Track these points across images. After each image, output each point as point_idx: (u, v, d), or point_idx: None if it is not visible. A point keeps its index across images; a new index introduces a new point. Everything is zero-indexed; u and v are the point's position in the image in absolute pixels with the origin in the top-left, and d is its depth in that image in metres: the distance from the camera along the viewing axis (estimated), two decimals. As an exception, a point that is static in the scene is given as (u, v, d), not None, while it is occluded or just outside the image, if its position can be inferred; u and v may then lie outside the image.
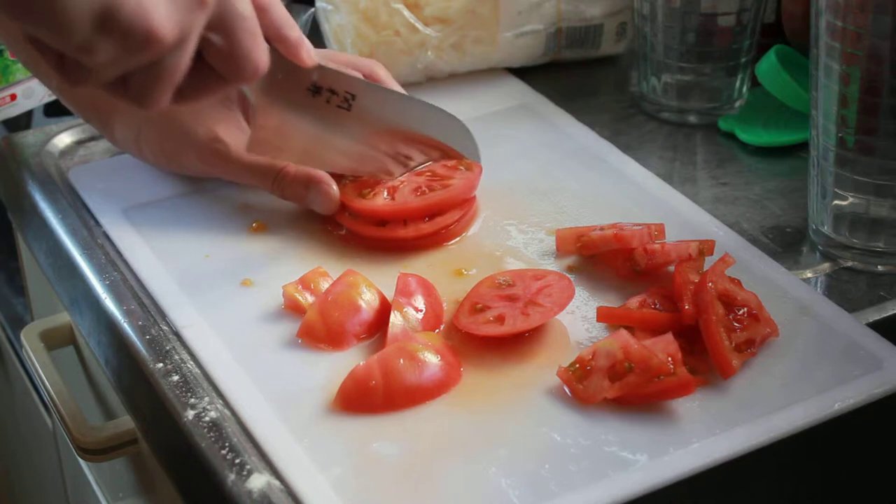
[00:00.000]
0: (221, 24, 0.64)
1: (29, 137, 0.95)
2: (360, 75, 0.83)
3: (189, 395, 0.70)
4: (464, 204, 0.84)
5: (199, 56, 0.66)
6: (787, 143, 0.94)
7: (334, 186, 0.83)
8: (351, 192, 0.83)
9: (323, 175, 0.83)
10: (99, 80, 0.62)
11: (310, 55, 0.74)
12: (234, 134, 0.83)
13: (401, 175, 0.84)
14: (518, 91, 1.01)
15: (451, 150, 0.86)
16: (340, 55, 0.86)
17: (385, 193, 0.82)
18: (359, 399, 0.69)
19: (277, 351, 0.74)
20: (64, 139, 0.95)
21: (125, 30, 0.58)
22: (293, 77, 0.77)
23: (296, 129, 0.79)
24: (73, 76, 0.62)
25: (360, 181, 0.84)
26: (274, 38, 0.72)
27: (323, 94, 0.79)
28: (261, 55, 0.67)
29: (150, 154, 0.86)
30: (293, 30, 0.72)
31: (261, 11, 0.69)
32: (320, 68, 0.78)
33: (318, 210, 0.83)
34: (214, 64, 0.66)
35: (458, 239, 0.83)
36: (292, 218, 0.85)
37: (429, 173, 0.84)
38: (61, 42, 0.59)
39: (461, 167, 0.85)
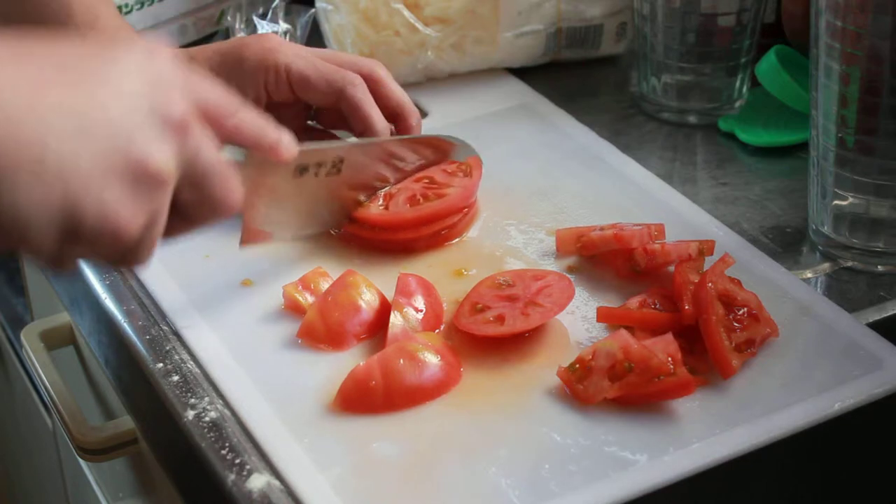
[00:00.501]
0: (189, 182, 0.62)
1: (29, 137, 0.95)
2: (360, 75, 0.83)
3: (189, 395, 0.70)
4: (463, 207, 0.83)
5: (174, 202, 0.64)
6: (787, 143, 0.94)
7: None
8: None
9: None
10: (78, 264, 0.62)
11: (289, 150, 0.70)
12: None
13: (396, 180, 0.84)
14: (518, 91, 1.01)
15: (444, 143, 0.86)
16: (341, 55, 0.85)
17: (380, 201, 0.82)
18: (359, 399, 0.69)
19: (277, 351, 0.74)
20: (64, 139, 0.94)
21: (92, 236, 0.57)
22: (276, 169, 0.75)
23: (288, 209, 0.79)
24: (57, 269, 0.61)
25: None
26: (250, 147, 0.69)
27: (310, 171, 0.78)
28: (233, 196, 0.64)
29: None
30: (267, 135, 0.69)
31: (231, 134, 0.67)
32: (302, 151, 0.75)
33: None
34: (188, 213, 0.64)
35: (457, 239, 0.83)
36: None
37: (426, 180, 0.84)
38: (34, 256, 0.59)
39: (460, 172, 0.84)
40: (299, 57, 0.83)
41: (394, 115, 0.85)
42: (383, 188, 0.83)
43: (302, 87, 0.83)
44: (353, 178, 0.81)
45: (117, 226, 0.58)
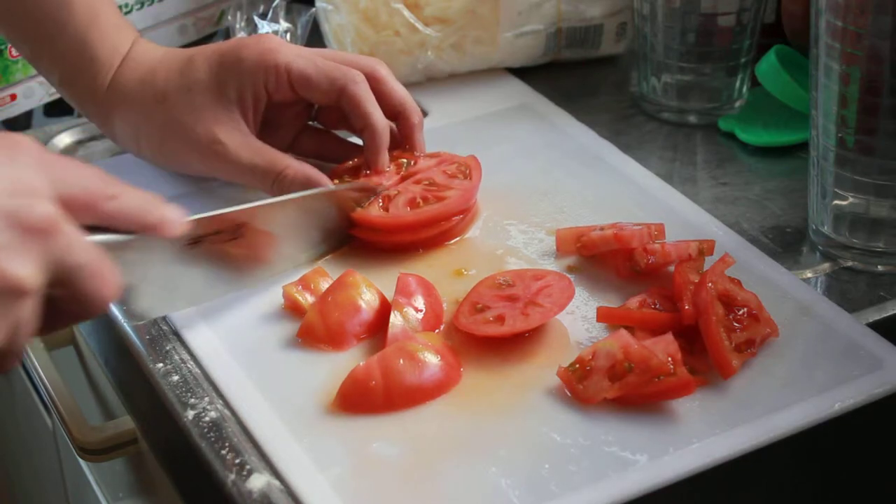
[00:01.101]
0: (59, 281, 0.59)
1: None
2: (362, 73, 0.83)
3: (189, 395, 0.70)
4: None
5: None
6: (787, 143, 0.94)
7: (332, 188, 0.83)
8: None
9: (321, 176, 0.83)
10: None
11: (176, 227, 0.66)
12: (232, 135, 0.83)
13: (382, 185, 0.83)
14: (518, 91, 1.01)
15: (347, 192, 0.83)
16: (342, 54, 0.85)
17: (380, 202, 0.82)
18: (359, 399, 0.69)
19: (277, 351, 0.74)
20: (64, 139, 0.95)
21: None
22: (165, 245, 0.71)
23: (183, 282, 0.74)
24: None
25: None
26: (133, 229, 0.66)
27: (205, 241, 0.74)
28: (108, 290, 0.61)
29: (149, 153, 0.86)
30: (150, 214, 0.65)
31: (110, 219, 0.63)
32: (195, 223, 0.72)
33: None
34: (62, 308, 0.61)
35: (457, 239, 0.83)
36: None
37: (426, 181, 0.83)
38: None
39: (460, 174, 0.84)
40: (300, 56, 0.83)
41: (395, 114, 0.85)
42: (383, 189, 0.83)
43: (303, 86, 0.83)
44: (258, 241, 0.77)
45: None
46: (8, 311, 0.56)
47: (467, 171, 0.84)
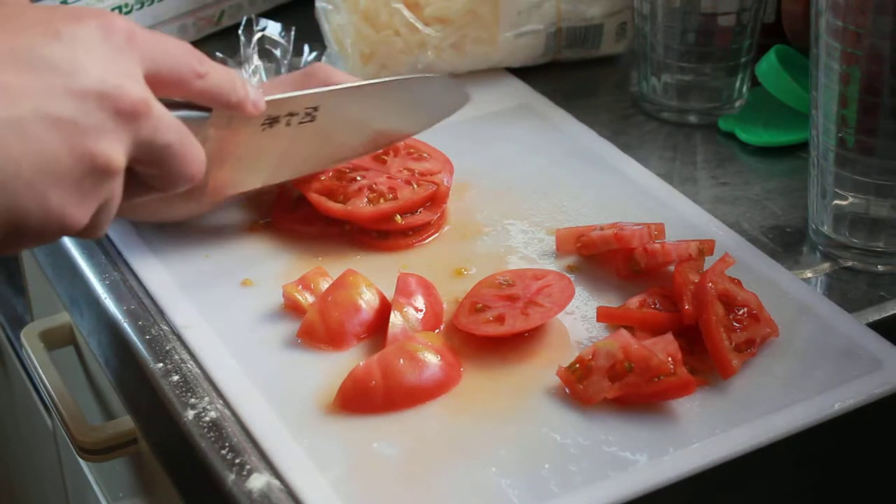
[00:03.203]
0: (147, 159, 0.60)
1: (29, 137, 0.95)
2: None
3: (189, 395, 0.70)
4: (437, 203, 0.83)
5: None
6: (787, 143, 0.94)
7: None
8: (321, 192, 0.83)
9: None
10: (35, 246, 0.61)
11: (257, 105, 0.69)
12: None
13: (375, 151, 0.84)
14: (518, 91, 1.01)
15: (439, 111, 0.85)
16: (284, 78, 0.84)
17: (366, 191, 0.82)
18: (359, 399, 0.69)
19: (277, 351, 0.74)
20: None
21: (38, 232, 0.56)
22: (244, 121, 0.72)
23: (256, 159, 0.77)
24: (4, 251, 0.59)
25: (335, 179, 0.84)
26: (217, 106, 0.68)
27: (281, 121, 0.75)
28: (194, 167, 0.63)
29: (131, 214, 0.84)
30: (234, 93, 0.67)
31: (197, 96, 0.65)
32: (272, 103, 0.74)
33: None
34: (148, 182, 0.63)
35: (435, 235, 0.83)
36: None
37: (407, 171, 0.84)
38: None
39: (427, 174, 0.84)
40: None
41: None
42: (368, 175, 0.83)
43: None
44: (330, 124, 0.79)
45: (62, 222, 0.56)
46: (98, 188, 0.57)
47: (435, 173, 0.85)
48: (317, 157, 0.81)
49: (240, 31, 1.01)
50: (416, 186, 0.82)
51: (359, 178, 0.83)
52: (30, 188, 0.54)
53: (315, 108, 0.77)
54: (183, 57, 0.63)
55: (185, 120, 0.64)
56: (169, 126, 0.60)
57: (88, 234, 0.61)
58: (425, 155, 0.86)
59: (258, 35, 0.99)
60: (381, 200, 0.81)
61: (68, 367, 1.00)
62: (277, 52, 1.00)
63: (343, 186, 0.83)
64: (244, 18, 1.00)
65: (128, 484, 0.97)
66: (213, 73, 0.65)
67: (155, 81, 0.61)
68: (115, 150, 0.57)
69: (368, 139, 0.83)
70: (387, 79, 0.82)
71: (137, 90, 0.58)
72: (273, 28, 1.00)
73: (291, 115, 0.76)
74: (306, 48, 1.01)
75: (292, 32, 1.00)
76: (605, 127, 0.97)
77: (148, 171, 0.62)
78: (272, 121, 0.75)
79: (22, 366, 1.31)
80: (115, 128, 0.57)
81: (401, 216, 0.81)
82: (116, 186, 0.59)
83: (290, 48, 1.00)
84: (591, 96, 1.03)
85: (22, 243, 0.57)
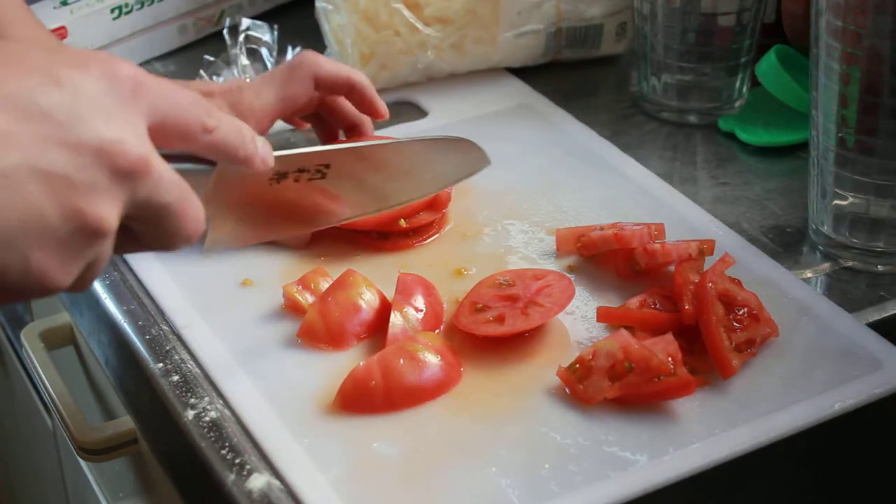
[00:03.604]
0: (142, 218, 0.56)
1: (29, 137, 0.95)
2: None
3: (189, 395, 0.70)
4: (438, 206, 0.83)
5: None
6: (787, 143, 0.94)
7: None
8: None
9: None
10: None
11: (265, 161, 0.65)
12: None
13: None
14: (518, 91, 1.01)
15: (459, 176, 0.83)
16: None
17: None
18: (359, 399, 0.69)
19: (277, 351, 0.74)
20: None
21: (17, 292, 0.53)
22: (251, 178, 0.69)
23: (260, 215, 0.72)
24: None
25: None
26: (223, 161, 0.63)
27: (289, 177, 0.71)
28: (192, 227, 0.58)
29: None
30: (243, 148, 0.63)
31: (205, 151, 0.61)
32: (282, 158, 0.70)
33: (291, 245, 0.83)
34: (143, 240, 0.59)
35: (435, 237, 0.83)
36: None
37: None
38: None
39: None
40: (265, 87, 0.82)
41: (348, 90, 0.84)
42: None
43: (289, 113, 0.82)
44: (343, 183, 0.75)
45: (43, 283, 0.53)
46: (85, 250, 0.53)
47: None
48: (323, 215, 0.77)
49: (225, 32, 1.01)
50: None
51: None
52: (11, 246, 0.51)
53: (326, 166, 0.73)
54: (191, 109, 0.58)
55: (187, 173, 0.60)
56: (169, 185, 0.56)
57: (72, 290, 0.57)
58: None
59: (243, 35, 0.99)
60: None
61: (68, 367, 1.00)
62: (264, 52, 1.00)
63: None
64: (227, 20, 1.00)
65: (128, 484, 0.97)
66: (222, 128, 0.61)
67: (160, 133, 0.57)
68: (108, 211, 0.53)
69: (378, 201, 0.79)
70: (405, 139, 0.79)
71: (138, 147, 0.54)
72: (258, 28, 1.00)
73: (301, 171, 0.72)
74: (290, 48, 1.01)
75: (275, 30, 1.00)
76: (605, 127, 0.97)
77: (142, 230, 0.58)
78: (280, 176, 0.71)
79: (22, 366, 1.31)
80: (111, 186, 0.53)
81: (405, 220, 0.81)
82: (106, 247, 0.55)
83: (276, 46, 1.00)
84: (591, 96, 1.03)
85: (3, 298, 0.54)
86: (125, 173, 0.53)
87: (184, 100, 0.58)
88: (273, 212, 0.73)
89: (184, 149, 0.59)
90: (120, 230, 0.56)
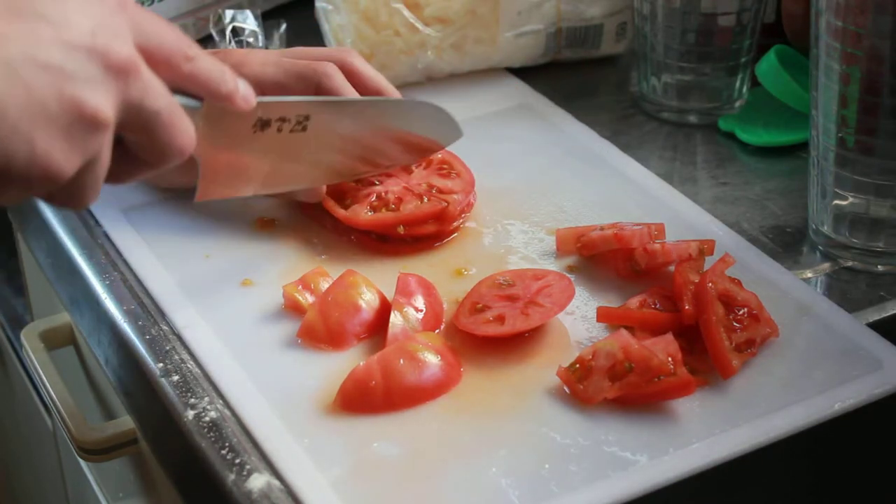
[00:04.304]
0: (135, 125, 0.60)
1: (29, 137, 0.95)
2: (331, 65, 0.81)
3: (189, 395, 0.70)
4: (445, 220, 0.83)
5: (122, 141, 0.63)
6: (787, 143, 0.94)
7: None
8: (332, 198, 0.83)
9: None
10: (21, 200, 0.60)
11: (247, 100, 0.69)
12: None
13: (373, 174, 0.83)
14: (518, 91, 1.01)
15: (428, 142, 0.84)
16: (309, 50, 0.84)
17: (373, 198, 0.82)
18: (359, 399, 0.69)
19: (277, 351, 0.74)
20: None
21: (23, 178, 0.56)
22: (235, 120, 0.72)
23: (247, 165, 0.76)
24: None
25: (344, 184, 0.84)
26: (206, 97, 0.68)
27: (272, 126, 0.75)
28: (183, 139, 0.62)
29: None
30: (224, 83, 0.67)
31: (185, 80, 0.65)
32: (263, 105, 0.73)
33: (304, 199, 0.83)
34: (137, 154, 0.63)
35: (452, 237, 0.83)
36: (293, 218, 0.85)
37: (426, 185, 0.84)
38: None
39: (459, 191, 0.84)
40: (267, 64, 0.81)
41: None
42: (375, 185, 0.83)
43: (278, 93, 0.80)
44: (321, 137, 0.78)
45: (48, 169, 0.56)
46: (85, 140, 0.57)
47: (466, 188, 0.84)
48: (308, 171, 0.80)
49: (210, 27, 1.01)
50: (424, 201, 0.82)
51: (376, 183, 0.83)
52: (15, 130, 0.54)
53: (306, 118, 0.76)
54: (173, 36, 0.62)
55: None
56: (158, 92, 0.60)
57: (74, 199, 0.60)
58: (454, 173, 0.85)
59: (230, 27, 0.99)
60: (384, 210, 0.81)
61: (68, 367, 1.00)
62: (251, 41, 1.00)
63: (356, 189, 0.83)
64: (212, 13, 1.00)
65: (128, 484, 0.97)
66: (203, 60, 0.64)
67: (144, 55, 0.60)
68: (103, 102, 0.57)
69: (358, 158, 0.82)
70: (380, 98, 0.82)
71: (128, 49, 0.58)
72: (242, 16, 1.00)
73: (283, 120, 0.75)
74: (275, 35, 1.01)
75: (259, 17, 1.00)
76: (605, 127, 0.97)
77: (137, 140, 0.61)
78: (263, 124, 0.74)
79: (22, 366, 1.31)
80: (105, 81, 0.57)
81: (403, 227, 0.81)
82: (104, 144, 0.58)
83: (262, 32, 1.00)
84: (591, 96, 1.03)
85: (8, 192, 0.57)
86: (117, 70, 0.57)
87: (166, 27, 0.62)
88: (259, 163, 0.76)
89: (166, 75, 0.62)
90: (118, 148, 0.60)
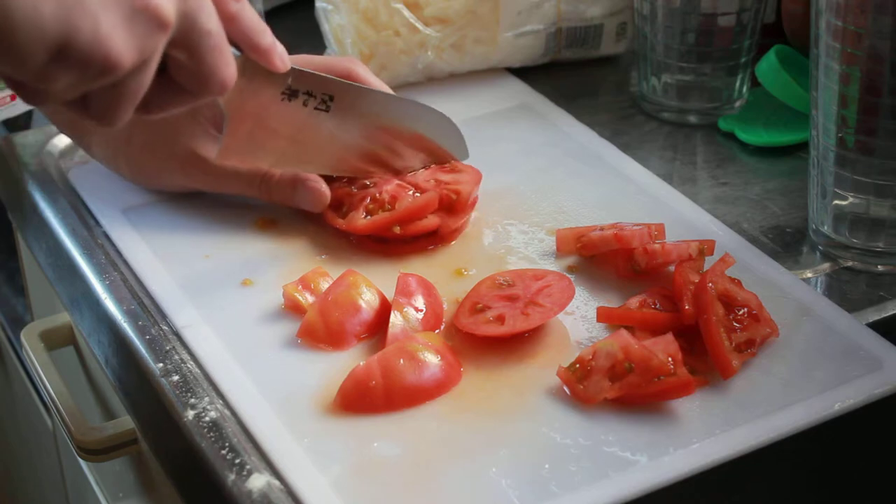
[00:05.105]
0: (185, 42, 0.62)
1: (29, 137, 0.95)
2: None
3: (189, 395, 0.70)
4: (461, 210, 0.83)
5: (164, 69, 0.65)
6: (787, 143, 0.94)
7: (322, 184, 0.82)
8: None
9: (308, 175, 0.82)
10: (57, 100, 0.61)
11: (283, 60, 0.72)
12: (210, 146, 0.83)
13: (383, 175, 0.84)
14: (518, 91, 1.01)
15: (439, 150, 0.86)
16: (313, 59, 0.85)
17: (368, 200, 0.82)
18: (359, 399, 0.69)
19: (277, 351, 0.74)
20: (64, 139, 0.95)
21: (82, 59, 0.57)
22: (266, 82, 0.75)
23: (270, 133, 0.79)
24: (31, 98, 0.60)
25: (347, 185, 0.84)
26: (244, 46, 0.71)
27: (299, 98, 0.78)
28: (227, 71, 0.65)
29: (129, 173, 0.86)
30: (264, 36, 0.70)
31: (229, 20, 0.68)
32: (295, 72, 0.76)
33: (307, 208, 0.83)
34: (180, 79, 0.65)
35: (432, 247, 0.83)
36: (293, 218, 0.85)
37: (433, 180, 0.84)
38: (16, 72, 0.58)
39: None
40: None
41: None
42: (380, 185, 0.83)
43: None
44: (340, 124, 0.81)
45: (108, 52, 0.57)
46: (144, 38, 0.59)
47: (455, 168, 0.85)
48: (322, 155, 0.81)
49: None
50: (416, 195, 0.82)
51: (368, 184, 0.83)
52: (86, 6, 0.56)
53: (331, 98, 0.79)
54: None
55: None
56: (211, 13, 0.62)
57: (110, 111, 0.61)
58: (459, 169, 0.86)
59: None
60: (380, 212, 0.81)
61: (68, 367, 1.00)
62: None
63: (351, 195, 0.83)
64: None
65: (128, 484, 0.97)
66: (248, 8, 0.67)
67: None
68: (167, 2, 0.59)
69: (371, 155, 0.84)
70: (404, 98, 0.84)
71: None
72: None
73: (309, 94, 0.78)
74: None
75: (262, 14, 1.00)
76: (605, 127, 0.97)
77: (184, 61, 0.63)
78: (292, 93, 0.77)
79: (22, 366, 1.31)
80: None
81: (400, 227, 0.81)
82: (158, 44, 0.60)
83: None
84: (591, 96, 1.03)
85: (66, 76, 0.58)
86: None
87: None
88: (280, 134, 0.79)
89: (216, 7, 0.65)
90: (162, 79, 0.62)
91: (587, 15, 1.03)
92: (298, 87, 0.77)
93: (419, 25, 0.98)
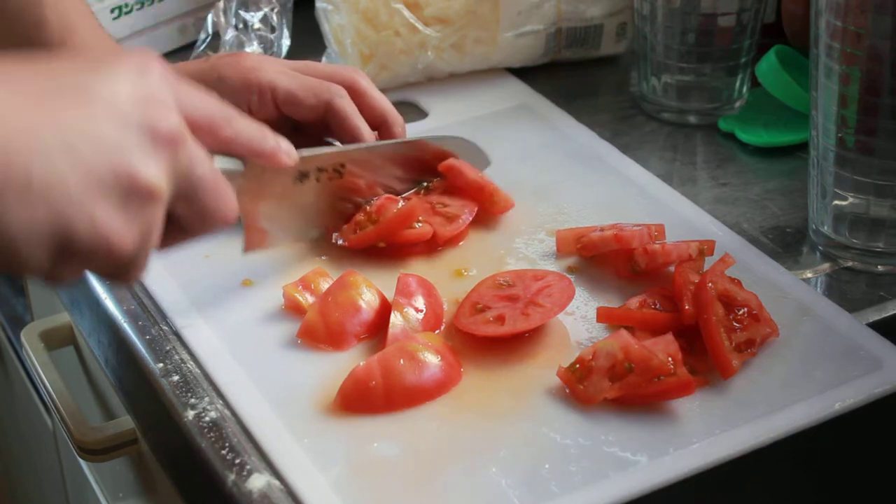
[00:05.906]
0: (182, 196, 0.62)
1: (29, 137, 0.95)
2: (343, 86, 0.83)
3: (189, 395, 0.70)
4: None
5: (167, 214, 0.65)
6: (787, 143, 0.94)
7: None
8: None
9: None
10: (75, 279, 0.61)
11: (290, 156, 0.72)
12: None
13: (400, 188, 0.85)
14: (518, 91, 1.01)
15: (447, 154, 0.86)
16: (319, 67, 0.84)
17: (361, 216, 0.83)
18: (359, 399, 0.69)
19: (277, 351, 0.74)
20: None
21: (86, 251, 0.57)
22: (276, 176, 0.76)
23: (290, 215, 0.79)
24: (54, 285, 0.61)
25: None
26: (249, 157, 0.71)
27: (311, 177, 0.79)
28: (227, 206, 0.64)
29: None
30: (265, 142, 0.70)
31: (227, 144, 0.67)
32: (303, 158, 0.76)
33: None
34: (182, 223, 0.64)
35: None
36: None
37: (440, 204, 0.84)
38: (27, 274, 0.59)
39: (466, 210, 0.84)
40: (282, 73, 0.82)
41: (378, 124, 0.84)
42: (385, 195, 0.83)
43: (289, 103, 0.82)
44: (355, 182, 0.82)
45: (109, 241, 0.57)
46: (141, 211, 0.58)
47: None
48: (343, 207, 0.83)
49: (209, 19, 1.01)
50: (399, 205, 0.82)
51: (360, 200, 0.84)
52: (78, 205, 0.56)
53: (343, 165, 0.80)
54: (212, 101, 0.65)
55: (221, 171, 0.66)
56: (203, 159, 0.62)
57: (126, 274, 0.62)
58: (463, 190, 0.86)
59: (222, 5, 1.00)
60: (369, 226, 0.81)
61: (68, 367, 1.00)
62: (252, 15, 1.00)
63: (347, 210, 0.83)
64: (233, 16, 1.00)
65: (128, 484, 0.97)
66: (242, 121, 0.67)
67: (187, 123, 0.62)
68: (156, 175, 0.58)
69: (386, 186, 0.85)
70: (413, 139, 0.84)
71: (175, 119, 0.60)
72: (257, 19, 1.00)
73: (321, 170, 0.79)
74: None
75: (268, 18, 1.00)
76: (605, 127, 0.97)
77: (184, 209, 0.63)
78: (302, 176, 0.78)
79: (22, 366, 1.31)
80: (155, 152, 0.59)
81: (384, 242, 0.81)
82: (158, 215, 0.60)
83: (277, 22, 1.00)
84: (591, 96, 1.03)
85: (71, 266, 0.58)
86: (166, 141, 0.59)
87: (204, 94, 0.64)
88: (300, 212, 0.80)
89: (209, 142, 0.64)
90: (166, 221, 0.62)
91: (587, 15, 1.03)
92: (308, 168, 0.78)
93: (419, 25, 0.98)
